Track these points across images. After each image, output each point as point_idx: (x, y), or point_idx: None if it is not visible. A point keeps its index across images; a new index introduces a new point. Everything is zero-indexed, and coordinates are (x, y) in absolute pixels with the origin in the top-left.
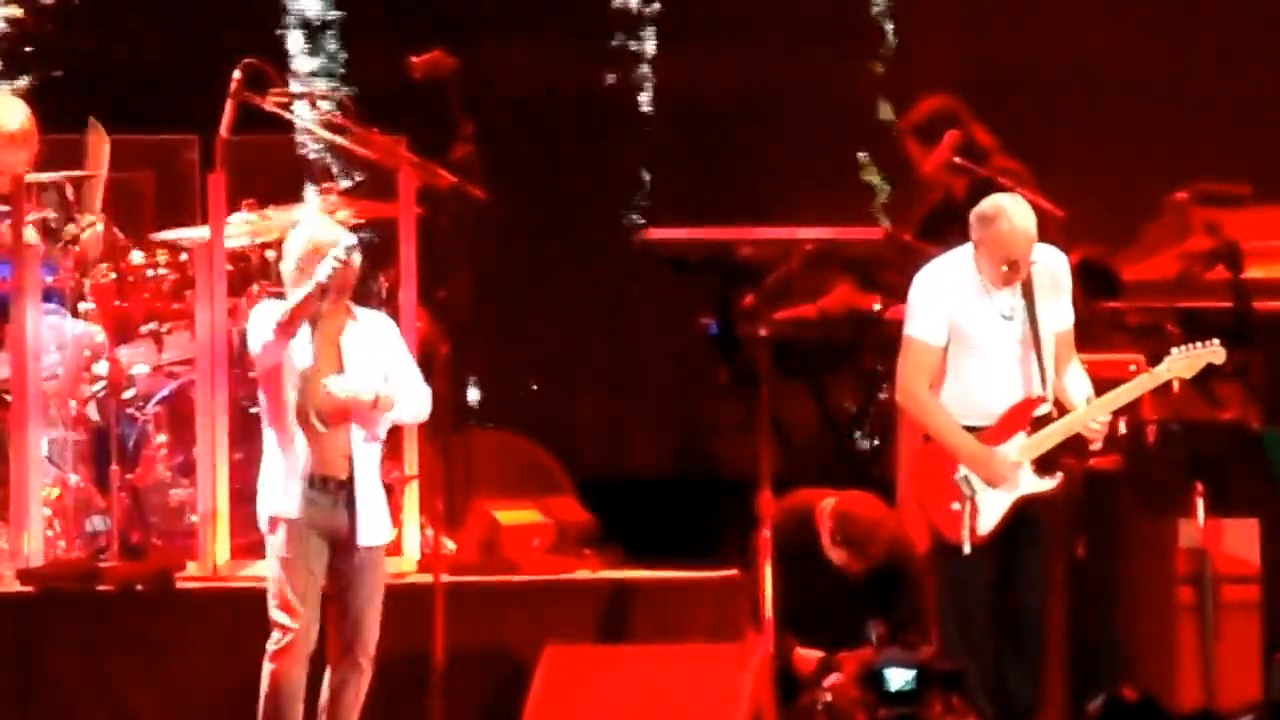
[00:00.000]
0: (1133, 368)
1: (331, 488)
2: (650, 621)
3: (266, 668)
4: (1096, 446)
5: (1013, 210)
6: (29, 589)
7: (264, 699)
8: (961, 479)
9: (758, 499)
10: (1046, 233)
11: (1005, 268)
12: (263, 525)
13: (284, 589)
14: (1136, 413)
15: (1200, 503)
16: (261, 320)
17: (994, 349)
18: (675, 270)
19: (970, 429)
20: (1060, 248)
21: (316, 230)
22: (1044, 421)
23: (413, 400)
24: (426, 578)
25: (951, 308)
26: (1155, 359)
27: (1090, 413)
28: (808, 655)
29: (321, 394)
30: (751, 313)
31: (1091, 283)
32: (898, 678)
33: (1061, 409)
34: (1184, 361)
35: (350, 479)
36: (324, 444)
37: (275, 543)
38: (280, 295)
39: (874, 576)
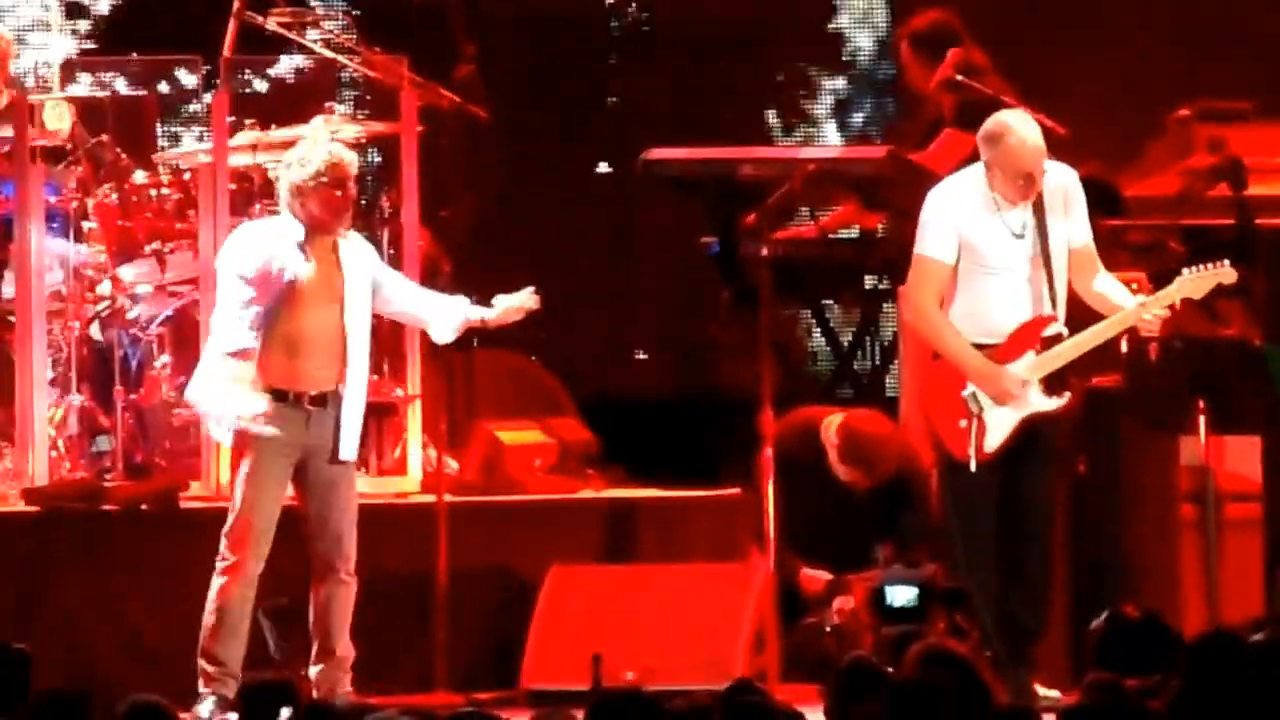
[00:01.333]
0: (1134, 286)
1: (307, 403)
2: (653, 541)
3: (214, 584)
4: (1153, 331)
5: (1018, 125)
6: (34, 508)
7: (210, 615)
8: (969, 396)
9: (760, 418)
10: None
11: (1020, 181)
12: (219, 435)
13: (244, 508)
14: (1136, 330)
15: (1202, 419)
16: (235, 258)
17: (1004, 267)
18: (677, 190)
19: (980, 347)
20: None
21: (339, 150)
22: (1053, 340)
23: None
24: (429, 498)
25: (962, 225)
26: (1157, 277)
27: (1139, 310)
28: (814, 575)
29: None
30: (753, 232)
31: (1092, 200)
32: (900, 595)
33: (1084, 324)
34: (1193, 281)
35: (337, 395)
36: (307, 359)
37: (239, 457)
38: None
39: (880, 493)
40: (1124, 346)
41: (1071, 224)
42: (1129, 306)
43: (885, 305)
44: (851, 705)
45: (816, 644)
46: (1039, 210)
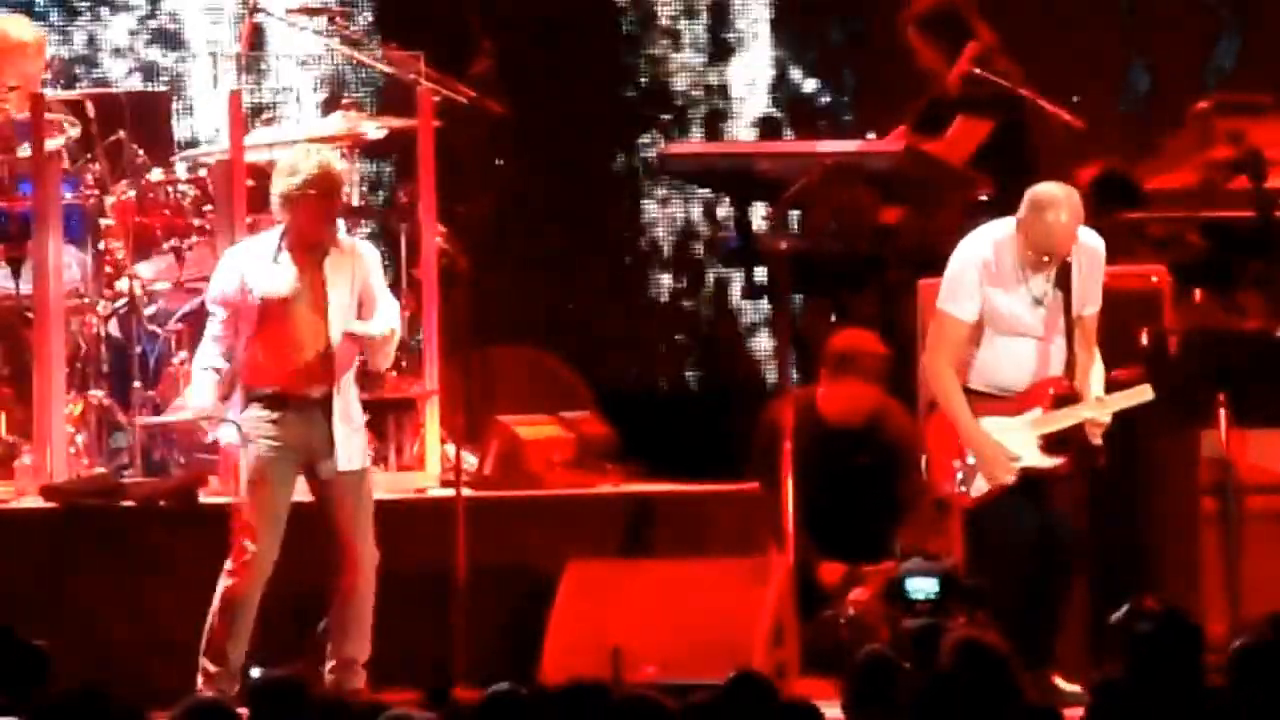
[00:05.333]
0: (1154, 279)
1: (300, 405)
2: (672, 535)
3: (222, 583)
4: (1097, 442)
5: (1066, 204)
6: (52, 505)
7: (216, 614)
8: (966, 450)
9: (778, 413)
10: (1057, 138)
11: (1043, 257)
12: (231, 438)
13: (248, 508)
14: (1159, 323)
15: (1223, 413)
16: (213, 285)
17: (1024, 332)
18: (695, 185)
19: (991, 397)
20: (1080, 159)
21: (329, 160)
22: (1064, 402)
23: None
24: (448, 493)
25: (987, 289)
26: (1177, 270)
27: (1095, 410)
28: (832, 567)
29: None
30: (771, 227)
31: (1112, 193)
32: (920, 587)
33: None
34: (1113, 401)
35: (326, 399)
36: (295, 364)
37: (243, 459)
38: None
39: (878, 466)
40: (1144, 340)
41: (1088, 293)
42: (1091, 399)
43: (904, 299)
44: (869, 699)
45: (832, 636)
46: (1064, 278)
